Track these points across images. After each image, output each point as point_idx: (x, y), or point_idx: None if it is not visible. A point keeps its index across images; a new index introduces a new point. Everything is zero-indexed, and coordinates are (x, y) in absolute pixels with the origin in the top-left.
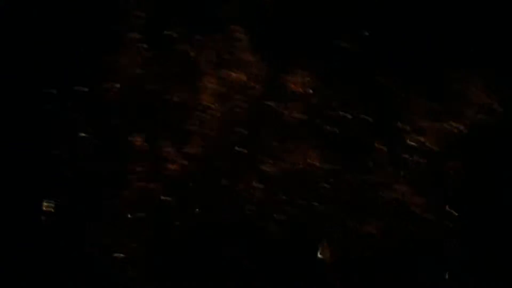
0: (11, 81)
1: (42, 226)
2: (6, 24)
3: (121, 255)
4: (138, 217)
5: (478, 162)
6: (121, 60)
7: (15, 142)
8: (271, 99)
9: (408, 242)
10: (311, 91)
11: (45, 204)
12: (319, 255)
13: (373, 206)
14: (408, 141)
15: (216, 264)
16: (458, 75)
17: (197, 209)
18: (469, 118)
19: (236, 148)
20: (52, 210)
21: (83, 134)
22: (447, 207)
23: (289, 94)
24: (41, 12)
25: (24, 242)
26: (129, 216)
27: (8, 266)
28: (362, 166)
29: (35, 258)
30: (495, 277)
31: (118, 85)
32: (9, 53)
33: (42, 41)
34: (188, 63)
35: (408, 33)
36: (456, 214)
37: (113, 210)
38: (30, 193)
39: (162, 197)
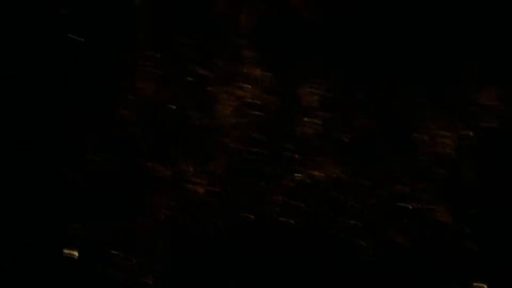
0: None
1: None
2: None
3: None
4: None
5: (494, 167)
6: (132, 80)
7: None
8: (286, 114)
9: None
10: (325, 103)
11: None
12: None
13: (397, 217)
14: (426, 150)
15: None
16: (473, 82)
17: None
18: (484, 124)
19: (256, 164)
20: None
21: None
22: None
23: (304, 107)
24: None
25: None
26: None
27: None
28: (381, 177)
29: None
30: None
31: (129, 108)
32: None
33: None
34: (199, 82)
35: (421, 40)
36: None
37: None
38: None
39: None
